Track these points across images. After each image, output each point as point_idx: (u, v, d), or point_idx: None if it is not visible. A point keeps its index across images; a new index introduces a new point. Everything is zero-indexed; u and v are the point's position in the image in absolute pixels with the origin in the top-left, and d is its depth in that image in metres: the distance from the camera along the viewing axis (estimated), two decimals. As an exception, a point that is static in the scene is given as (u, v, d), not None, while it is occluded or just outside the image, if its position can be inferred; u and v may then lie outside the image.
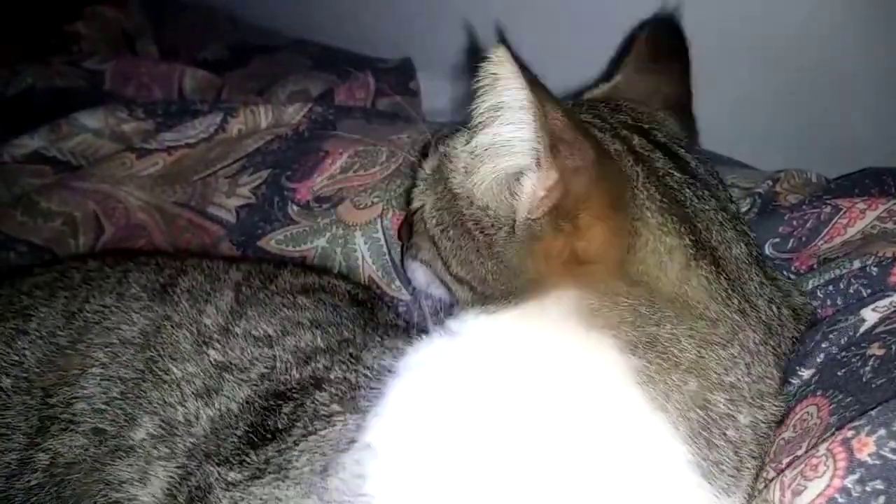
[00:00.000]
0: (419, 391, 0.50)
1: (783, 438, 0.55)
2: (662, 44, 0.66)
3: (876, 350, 0.54)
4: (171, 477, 0.55)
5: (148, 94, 1.20)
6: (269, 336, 0.61)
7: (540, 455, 0.46)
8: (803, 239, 0.75)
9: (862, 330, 0.57)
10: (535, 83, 0.46)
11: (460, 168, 0.54)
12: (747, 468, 0.49)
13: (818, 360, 0.59)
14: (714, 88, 1.13)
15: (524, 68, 0.46)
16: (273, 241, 0.94)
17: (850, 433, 0.44)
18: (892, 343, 0.53)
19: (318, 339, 0.60)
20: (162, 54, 1.36)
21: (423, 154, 0.65)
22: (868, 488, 0.41)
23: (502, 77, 0.46)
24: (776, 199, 0.83)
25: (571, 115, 0.48)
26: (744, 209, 0.85)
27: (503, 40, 0.46)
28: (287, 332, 0.61)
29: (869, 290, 0.61)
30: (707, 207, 0.52)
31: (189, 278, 0.69)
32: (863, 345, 0.56)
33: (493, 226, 0.51)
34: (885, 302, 0.57)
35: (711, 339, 0.47)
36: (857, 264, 0.64)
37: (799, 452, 0.51)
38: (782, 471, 0.49)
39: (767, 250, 0.77)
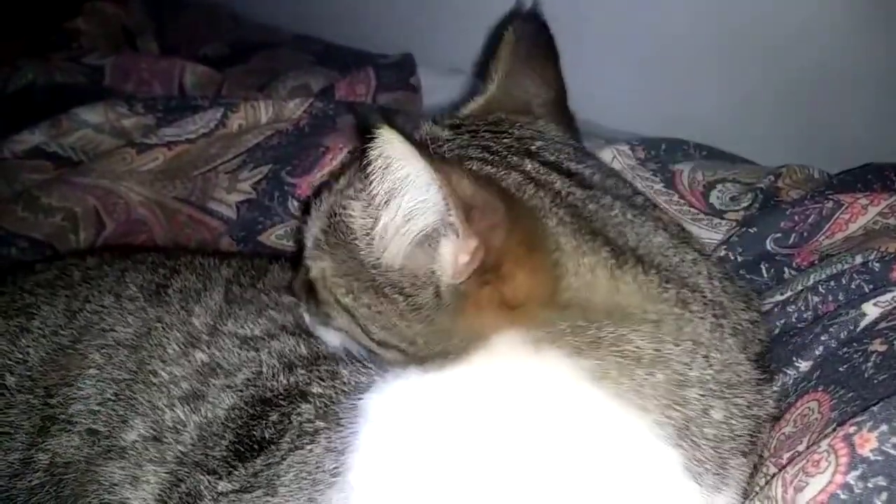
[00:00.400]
0: (388, 435, 0.50)
1: (783, 433, 0.55)
2: (529, 42, 0.63)
3: (878, 346, 0.54)
4: (161, 482, 0.55)
5: (148, 90, 1.20)
6: (255, 338, 0.61)
7: (521, 481, 0.46)
8: (805, 234, 0.75)
9: (863, 324, 0.57)
10: (431, 157, 0.44)
11: (363, 240, 0.51)
12: (732, 466, 0.48)
13: (816, 352, 0.58)
14: (717, 85, 1.13)
15: (416, 143, 0.44)
16: (273, 237, 0.94)
17: (852, 429, 0.44)
18: (895, 339, 0.53)
19: (301, 346, 0.60)
20: (162, 51, 1.36)
21: (304, 209, 0.62)
22: (870, 484, 0.41)
23: (396, 158, 0.44)
24: (778, 194, 0.83)
25: (474, 176, 0.46)
26: (745, 204, 0.84)
27: (386, 119, 0.44)
28: (272, 336, 0.61)
29: (871, 286, 0.61)
30: (615, 213, 0.52)
31: (181, 278, 0.68)
32: (864, 340, 0.56)
33: (413, 286, 0.49)
34: (888, 297, 0.57)
35: (661, 339, 0.46)
36: (858, 259, 0.64)
37: (800, 447, 0.51)
38: (784, 467, 0.48)
39: (768, 246, 0.77)
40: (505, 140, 0.56)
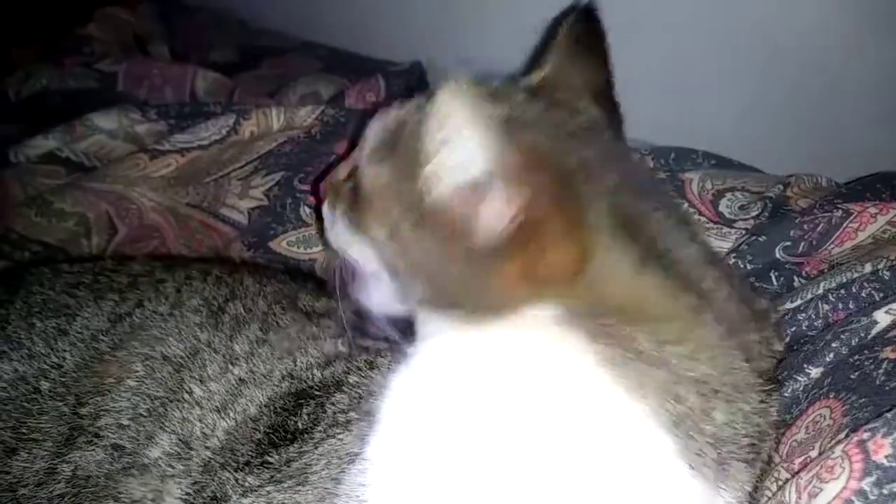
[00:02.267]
0: (407, 407, 0.51)
1: (795, 440, 0.55)
2: (583, 33, 0.66)
3: (889, 353, 0.54)
4: (186, 494, 0.55)
5: (160, 96, 1.21)
6: (291, 350, 0.62)
7: (529, 455, 0.47)
8: (814, 243, 0.76)
9: (874, 332, 0.58)
10: (491, 115, 0.45)
11: (426, 165, 0.51)
12: (733, 469, 0.49)
13: (827, 359, 0.59)
14: (725, 94, 1.14)
15: (480, 99, 0.45)
16: (285, 243, 0.94)
17: (865, 435, 0.44)
18: (906, 347, 0.53)
19: (339, 345, 0.61)
20: (173, 57, 1.37)
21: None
22: (885, 491, 0.41)
23: (455, 113, 0.45)
24: (787, 203, 0.84)
25: (536, 145, 0.48)
26: (754, 213, 0.85)
27: (462, 71, 0.45)
28: (307, 345, 0.62)
29: (881, 294, 0.61)
30: (656, 215, 0.53)
31: (237, 304, 0.69)
32: (875, 348, 0.56)
33: (455, 230, 0.49)
34: (899, 305, 0.58)
35: (667, 337, 0.48)
36: (868, 268, 0.64)
37: (812, 453, 0.51)
38: (797, 472, 0.49)
39: (778, 254, 0.77)
40: (575, 121, 0.58)
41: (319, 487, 0.50)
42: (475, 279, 0.49)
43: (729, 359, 0.50)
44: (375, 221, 0.55)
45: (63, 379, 0.64)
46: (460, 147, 0.46)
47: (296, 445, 0.54)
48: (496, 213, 0.47)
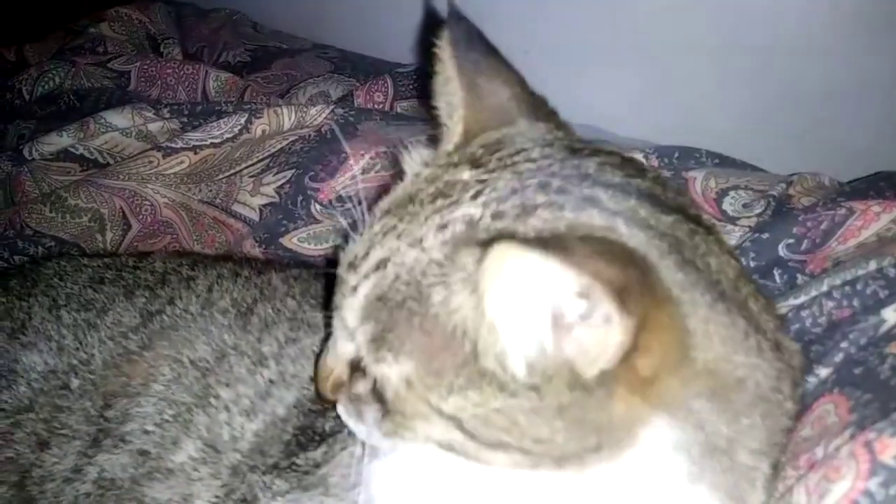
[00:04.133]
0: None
1: (801, 436, 0.55)
2: (467, 45, 0.54)
3: (894, 349, 0.54)
4: (215, 497, 0.55)
5: (172, 95, 1.23)
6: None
7: None
8: (817, 240, 0.76)
9: (882, 330, 0.58)
10: (558, 247, 0.37)
11: (475, 332, 0.41)
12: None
13: (836, 359, 0.59)
14: (727, 94, 1.15)
15: (539, 241, 0.39)
16: (295, 239, 0.96)
17: (871, 435, 0.45)
18: (911, 343, 0.54)
19: None
20: (185, 57, 1.38)
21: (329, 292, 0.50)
22: (892, 491, 0.42)
23: (529, 269, 0.37)
24: (790, 201, 0.84)
25: (600, 248, 0.39)
26: (758, 211, 0.86)
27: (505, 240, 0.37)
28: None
29: (887, 292, 0.61)
30: (704, 249, 0.46)
31: (264, 306, 0.67)
32: (881, 344, 0.56)
33: (549, 379, 0.41)
34: (907, 302, 0.58)
35: (739, 409, 0.45)
36: (873, 265, 0.65)
37: (818, 450, 0.51)
38: (805, 473, 0.49)
39: (781, 252, 0.78)
40: (563, 171, 0.47)
41: (342, 496, 0.50)
42: (599, 413, 0.41)
43: (779, 411, 0.48)
44: (425, 420, 0.44)
45: (91, 377, 0.64)
46: (544, 295, 0.38)
47: (322, 448, 0.53)
48: (607, 338, 0.39)
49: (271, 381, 0.60)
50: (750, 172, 0.93)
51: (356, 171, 0.96)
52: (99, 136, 1.07)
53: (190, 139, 1.03)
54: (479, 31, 0.55)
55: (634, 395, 0.41)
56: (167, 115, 1.07)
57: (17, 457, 0.62)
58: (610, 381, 0.40)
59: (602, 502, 0.44)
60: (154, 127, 1.07)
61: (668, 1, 1.13)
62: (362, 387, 0.47)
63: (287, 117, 1.04)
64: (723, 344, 0.44)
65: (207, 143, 1.02)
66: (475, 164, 0.48)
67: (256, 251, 0.97)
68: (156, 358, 0.63)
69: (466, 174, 0.47)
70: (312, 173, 0.98)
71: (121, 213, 1.01)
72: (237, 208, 0.99)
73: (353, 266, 0.46)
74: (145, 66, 1.24)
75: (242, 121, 1.03)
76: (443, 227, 0.43)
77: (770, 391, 0.47)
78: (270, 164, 1.00)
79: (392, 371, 0.43)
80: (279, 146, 1.01)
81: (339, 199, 0.95)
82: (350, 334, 0.45)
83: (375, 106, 1.21)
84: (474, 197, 0.44)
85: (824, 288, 0.68)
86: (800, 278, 0.76)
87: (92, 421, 0.62)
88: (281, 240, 0.96)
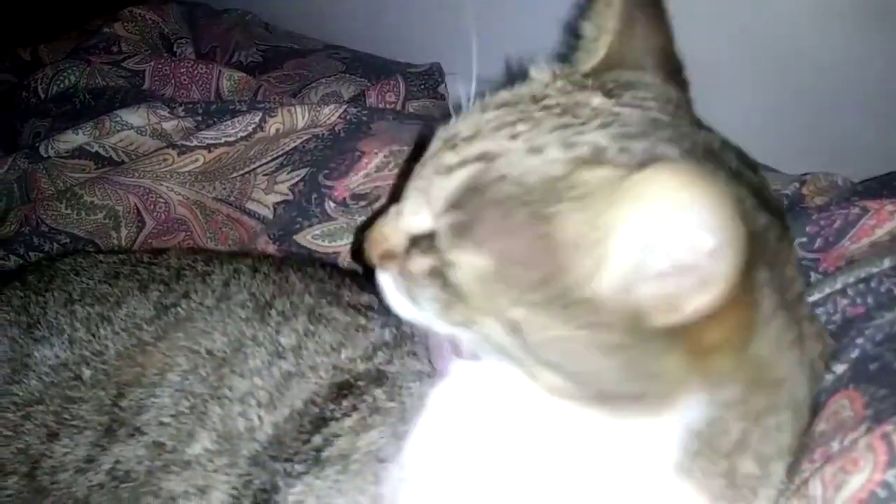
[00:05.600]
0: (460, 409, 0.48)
1: (816, 431, 0.55)
2: None
3: (910, 345, 0.55)
4: (233, 488, 0.55)
5: (186, 94, 1.24)
6: (339, 343, 0.62)
7: None
8: (830, 239, 0.76)
9: (899, 326, 0.58)
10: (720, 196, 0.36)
11: (571, 255, 0.40)
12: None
13: (852, 355, 0.59)
14: (737, 95, 1.15)
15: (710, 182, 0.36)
16: (310, 237, 0.97)
17: (889, 427, 0.45)
18: (928, 340, 0.54)
19: (386, 334, 0.61)
20: (198, 57, 1.39)
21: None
22: None
23: (679, 199, 0.36)
24: (803, 200, 0.85)
25: (732, 205, 0.37)
26: (771, 211, 0.86)
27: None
28: (353, 337, 0.62)
29: (902, 289, 0.62)
30: (775, 240, 0.46)
31: (283, 300, 0.67)
32: (896, 339, 0.57)
33: (622, 319, 0.40)
34: (923, 299, 0.59)
35: (769, 408, 0.46)
36: (888, 263, 0.65)
37: (833, 444, 0.51)
38: (821, 466, 0.49)
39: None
40: (693, 135, 0.47)
41: (359, 478, 0.50)
42: (643, 365, 0.41)
43: (802, 420, 0.49)
44: (487, 315, 0.42)
45: (104, 367, 0.64)
46: (675, 233, 0.37)
47: (332, 426, 0.54)
48: (700, 296, 0.38)
49: (290, 374, 0.60)
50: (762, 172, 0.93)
51: (370, 168, 0.97)
52: (114, 135, 1.08)
53: (204, 138, 1.04)
54: None
55: (690, 358, 0.40)
56: (182, 114, 1.08)
57: (26, 447, 0.62)
58: (674, 337, 0.40)
59: (625, 458, 0.44)
60: (169, 125, 1.08)
61: (678, 2, 1.14)
62: (420, 265, 0.44)
63: (301, 116, 1.04)
64: (776, 345, 0.44)
65: (222, 141, 1.03)
66: (609, 93, 0.47)
67: (271, 248, 0.97)
68: (171, 348, 0.63)
69: (597, 100, 0.46)
70: (327, 171, 0.98)
71: (135, 211, 1.02)
72: (251, 206, 1.00)
73: (452, 145, 0.44)
74: (159, 66, 1.25)
75: (256, 119, 1.04)
76: (569, 145, 0.42)
77: (801, 401, 0.48)
78: (284, 163, 1.01)
79: (470, 260, 0.41)
80: (293, 144, 1.02)
81: (354, 196, 0.96)
82: (430, 211, 0.43)
83: (387, 106, 1.21)
84: (603, 126, 0.43)
85: (838, 286, 0.68)
86: (813, 276, 0.76)
87: (105, 411, 0.62)
88: (295, 237, 0.97)
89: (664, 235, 0.37)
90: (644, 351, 0.40)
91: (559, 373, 0.42)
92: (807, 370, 0.48)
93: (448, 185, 0.43)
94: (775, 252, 0.45)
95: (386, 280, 0.49)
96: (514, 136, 0.43)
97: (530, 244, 0.40)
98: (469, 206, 0.42)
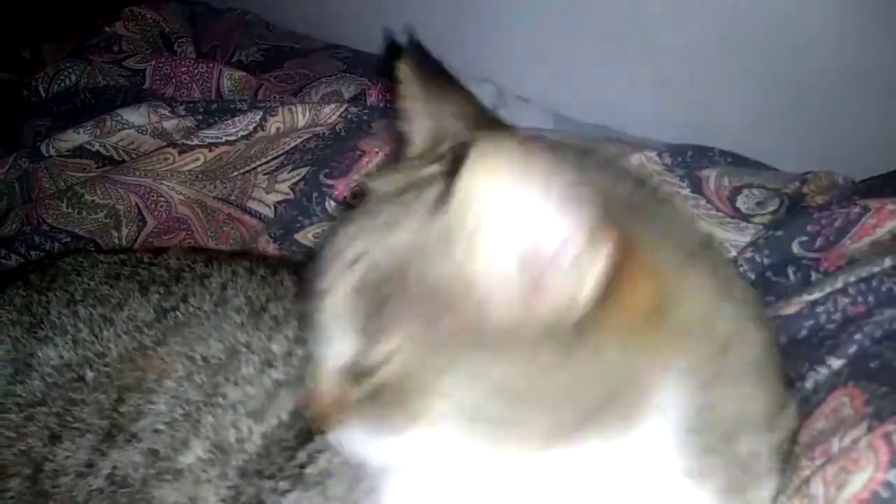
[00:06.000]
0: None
1: (815, 429, 0.56)
2: (426, 72, 0.57)
3: (910, 342, 0.55)
4: (222, 499, 0.56)
5: (187, 93, 1.24)
6: None
7: None
8: (831, 238, 0.76)
9: (898, 323, 0.58)
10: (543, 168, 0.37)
11: (467, 293, 0.40)
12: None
13: (849, 351, 0.60)
14: (738, 94, 1.15)
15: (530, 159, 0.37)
16: (310, 235, 0.97)
17: (890, 426, 0.45)
18: (928, 337, 0.54)
19: None
20: (199, 56, 1.39)
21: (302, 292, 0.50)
22: None
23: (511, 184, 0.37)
24: (804, 199, 0.85)
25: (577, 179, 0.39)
26: (771, 209, 0.86)
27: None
28: None
29: (903, 288, 0.62)
30: (651, 204, 0.48)
31: (277, 305, 0.67)
32: (896, 337, 0.57)
33: (544, 327, 0.40)
34: (924, 298, 0.59)
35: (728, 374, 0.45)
36: (888, 262, 0.65)
37: (833, 441, 0.51)
38: (822, 465, 0.49)
39: (795, 249, 0.78)
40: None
41: (345, 494, 0.50)
42: (591, 367, 0.40)
43: (773, 385, 0.48)
44: (420, 406, 0.41)
45: (107, 369, 0.64)
46: (518, 224, 0.38)
47: (318, 442, 0.53)
48: (586, 271, 0.39)
49: (279, 382, 0.60)
50: (763, 171, 0.93)
51: (371, 168, 0.97)
52: (115, 134, 1.08)
53: (205, 137, 1.04)
54: (437, 60, 0.59)
55: (628, 339, 0.40)
56: (182, 113, 1.08)
57: (29, 450, 0.62)
58: (592, 325, 0.39)
59: (633, 485, 0.43)
60: (169, 124, 1.08)
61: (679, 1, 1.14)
62: (364, 390, 0.43)
63: (301, 115, 1.05)
64: (700, 298, 0.44)
65: (222, 140, 1.03)
66: (439, 159, 0.49)
67: (271, 247, 0.98)
68: (169, 354, 0.64)
69: (435, 168, 0.48)
70: (327, 170, 0.98)
71: (136, 210, 1.02)
72: (252, 205, 1.00)
73: (322, 274, 0.45)
74: (160, 65, 1.25)
75: (257, 118, 1.04)
76: (418, 206, 0.43)
77: (760, 359, 0.47)
78: (285, 162, 1.01)
79: (388, 349, 0.41)
80: (294, 143, 1.02)
81: (354, 195, 0.96)
82: (341, 331, 0.44)
83: (388, 105, 1.21)
84: (440, 182, 0.44)
85: (839, 285, 0.68)
86: (814, 276, 0.76)
87: (105, 415, 0.62)
88: (296, 236, 0.97)
89: (513, 219, 0.38)
90: (584, 354, 0.40)
91: (521, 425, 0.41)
92: (750, 321, 0.47)
93: (337, 300, 0.44)
94: (648, 211, 0.46)
95: (345, 436, 0.46)
96: (373, 230, 0.44)
97: (430, 300, 0.40)
98: (363, 303, 0.43)
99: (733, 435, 0.45)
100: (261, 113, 1.05)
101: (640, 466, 0.43)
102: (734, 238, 0.84)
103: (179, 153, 1.03)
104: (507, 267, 0.39)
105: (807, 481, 0.49)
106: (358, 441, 0.45)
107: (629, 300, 0.40)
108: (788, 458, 0.51)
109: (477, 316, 0.40)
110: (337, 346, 0.44)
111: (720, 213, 0.87)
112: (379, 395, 0.43)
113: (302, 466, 0.53)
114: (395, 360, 0.41)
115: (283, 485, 0.53)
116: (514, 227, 0.38)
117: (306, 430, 0.55)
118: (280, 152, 1.02)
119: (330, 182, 0.97)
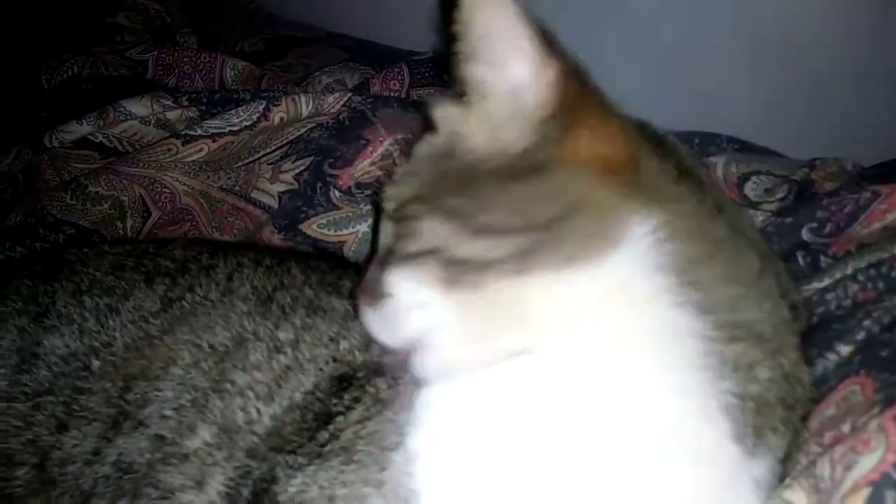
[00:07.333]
0: (458, 404, 0.50)
1: (825, 415, 0.55)
2: None
3: (921, 329, 0.55)
4: (229, 479, 0.55)
5: (190, 84, 1.23)
6: (336, 333, 0.62)
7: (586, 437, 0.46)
8: (841, 224, 0.76)
9: (907, 310, 0.58)
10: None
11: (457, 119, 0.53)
12: (768, 435, 0.49)
13: (858, 337, 0.59)
14: (745, 81, 1.14)
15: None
16: (315, 226, 0.96)
17: None
18: (938, 325, 0.54)
19: None
20: (201, 47, 1.39)
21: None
22: None
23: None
24: (812, 186, 0.84)
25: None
26: (780, 196, 0.86)
27: None
28: (351, 328, 0.62)
29: (912, 274, 0.62)
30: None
31: (283, 294, 0.68)
32: (906, 325, 0.57)
33: (506, 144, 0.50)
34: (932, 283, 0.58)
35: (720, 272, 0.49)
36: (898, 248, 0.65)
37: (844, 427, 0.51)
38: (830, 446, 0.49)
39: (804, 235, 0.78)
40: None
41: (363, 469, 0.50)
42: (555, 179, 0.48)
43: (772, 299, 0.49)
44: (419, 221, 0.52)
45: (113, 359, 0.64)
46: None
47: (337, 422, 0.54)
48: (530, 77, 0.49)
49: (288, 368, 0.60)
50: (771, 158, 0.93)
51: (376, 156, 0.96)
52: (118, 125, 1.07)
53: (209, 127, 1.03)
54: None
55: (597, 177, 0.48)
56: (185, 104, 1.08)
57: (36, 439, 0.62)
58: (553, 141, 0.49)
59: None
60: (173, 115, 1.08)
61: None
62: (387, 211, 0.56)
63: (305, 105, 1.04)
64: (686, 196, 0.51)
65: (226, 130, 1.03)
66: None
67: (276, 238, 0.97)
68: (176, 342, 0.64)
69: None
70: (331, 160, 0.98)
71: (140, 201, 1.01)
72: (256, 195, 1.00)
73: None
74: (162, 55, 1.25)
75: (260, 108, 1.03)
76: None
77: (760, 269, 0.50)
78: (289, 152, 1.00)
79: (393, 195, 0.55)
80: (297, 133, 1.02)
81: (359, 185, 0.95)
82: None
83: (392, 94, 1.21)
84: None
85: (848, 271, 0.68)
86: (823, 261, 0.75)
87: (112, 403, 0.62)
88: (300, 226, 0.96)
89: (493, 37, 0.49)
90: (538, 182, 0.48)
91: (498, 234, 0.48)
92: (746, 246, 0.50)
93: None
94: (599, 100, 0.53)
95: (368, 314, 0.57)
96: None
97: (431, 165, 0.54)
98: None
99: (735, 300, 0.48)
100: (264, 103, 1.04)
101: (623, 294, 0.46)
102: (742, 225, 0.83)
103: (183, 144, 1.02)
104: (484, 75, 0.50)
105: (814, 462, 0.49)
106: (402, 283, 0.53)
107: (585, 146, 0.48)
108: (798, 433, 0.51)
109: (459, 161, 0.51)
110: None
111: (728, 201, 0.86)
112: (392, 219, 0.55)
113: (322, 444, 0.54)
114: (397, 202, 0.54)
115: (300, 460, 0.53)
116: (494, 43, 0.49)
117: (324, 413, 0.55)
118: (284, 142, 1.01)
119: (334, 172, 0.97)
